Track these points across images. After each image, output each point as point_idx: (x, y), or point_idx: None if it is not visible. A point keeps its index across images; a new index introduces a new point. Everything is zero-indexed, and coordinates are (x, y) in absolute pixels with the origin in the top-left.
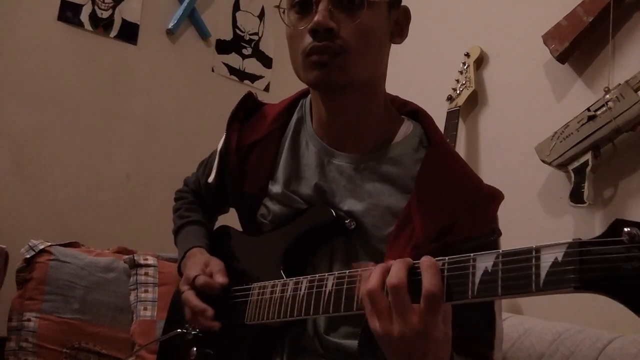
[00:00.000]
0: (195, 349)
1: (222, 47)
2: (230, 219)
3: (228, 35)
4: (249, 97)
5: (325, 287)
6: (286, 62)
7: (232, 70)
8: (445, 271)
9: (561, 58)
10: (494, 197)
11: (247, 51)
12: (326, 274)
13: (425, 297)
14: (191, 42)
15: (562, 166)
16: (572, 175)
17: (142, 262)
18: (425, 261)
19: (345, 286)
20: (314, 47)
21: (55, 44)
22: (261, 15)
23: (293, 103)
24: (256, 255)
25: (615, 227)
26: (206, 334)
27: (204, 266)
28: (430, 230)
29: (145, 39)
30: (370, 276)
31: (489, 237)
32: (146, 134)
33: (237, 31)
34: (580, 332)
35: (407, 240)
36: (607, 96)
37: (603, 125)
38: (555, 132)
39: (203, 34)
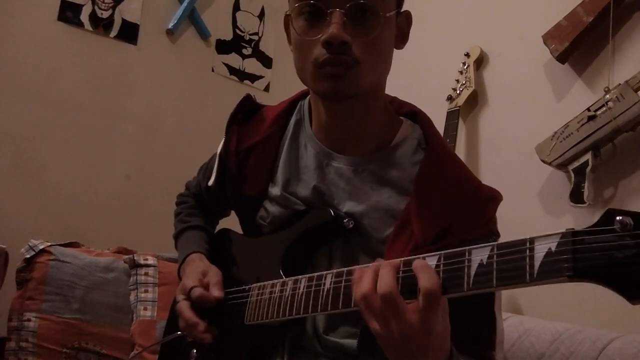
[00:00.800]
0: (195, 350)
1: (222, 47)
2: (232, 222)
3: (228, 35)
4: (248, 100)
5: (324, 285)
6: (286, 62)
7: (232, 70)
8: (442, 265)
9: (561, 58)
10: (493, 198)
11: (247, 51)
12: (325, 272)
13: (424, 295)
14: (191, 42)
15: (562, 166)
16: (572, 175)
17: (142, 262)
18: (418, 263)
19: (343, 284)
20: (328, 59)
21: (55, 44)
22: (261, 15)
23: (291, 105)
24: (256, 257)
25: (608, 216)
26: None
27: (202, 276)
28: (428, 232)
29: (145, 39)
30: (361, 280)
31: (488, 239)
32: (146, 134)
33: (237, 31)
34: (580, 332)
35: (406, 241)
36: (607, 96)
37: (603, 125)
38: (555, 132)
39: (203, 34)
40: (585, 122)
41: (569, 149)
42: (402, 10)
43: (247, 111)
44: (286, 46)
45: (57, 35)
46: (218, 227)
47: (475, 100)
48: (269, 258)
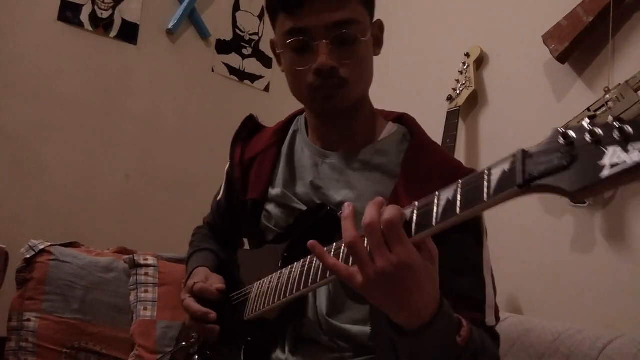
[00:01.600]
0: (197, 357)
1: (222, 47)
2: None
3: (228, 35)
4: (251, 119)
5: (316, 261)
6: None
7: (232, 70)
8: (415, 210)
9: (561, 58)
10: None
11: (247, 51)
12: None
13: (385, 225)
14: (191, 42)
15: None
16: None
17: (142, 262)
18: (389, 207)
19: (333, 253)
20: (321, 84)
21: (55, 44)
22: (261, 15)
23: (290, 121)
24: (258, 263)
25: (554, 133)
26: (208, 340)
27: (204, 279)
28: None
29: (145, 39)
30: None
31: None
32: (146, 134)
33: (237, 31)
34: (580, 332)
35: None
36: (607, 96)
37: None
38: None
39: (203, 34)
40: None
41: None
42: (374, 20)
43: (250, 129)
44: None
45: (57, 35)
46: None
47: (475, 100)
48: (270, 260)
